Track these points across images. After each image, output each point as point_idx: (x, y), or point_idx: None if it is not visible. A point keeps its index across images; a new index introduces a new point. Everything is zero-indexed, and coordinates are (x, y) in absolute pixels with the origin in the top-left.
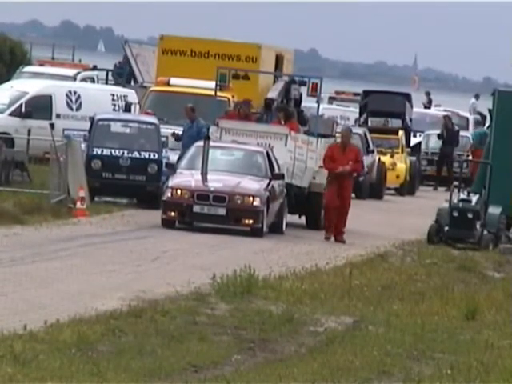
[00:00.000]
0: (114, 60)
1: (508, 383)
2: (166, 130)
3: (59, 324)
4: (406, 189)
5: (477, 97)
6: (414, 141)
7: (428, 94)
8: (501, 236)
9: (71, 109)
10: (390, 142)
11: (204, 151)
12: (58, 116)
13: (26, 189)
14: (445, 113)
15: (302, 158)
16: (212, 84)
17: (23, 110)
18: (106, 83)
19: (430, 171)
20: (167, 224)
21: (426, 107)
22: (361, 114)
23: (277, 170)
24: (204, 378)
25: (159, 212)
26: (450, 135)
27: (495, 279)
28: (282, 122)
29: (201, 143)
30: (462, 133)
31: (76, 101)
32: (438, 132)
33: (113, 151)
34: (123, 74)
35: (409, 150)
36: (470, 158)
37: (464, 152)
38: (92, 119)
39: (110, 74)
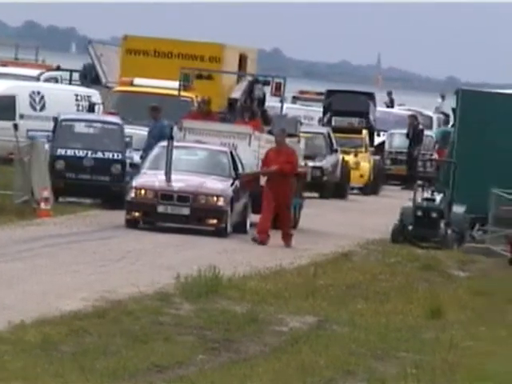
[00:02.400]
0: (82, 60)
1: (472, 382)
2: (130, 131)
3: (23, 324)
4: (370, 188)
5: (443, 97)
6: (377, 140)
7: (390, 93)
8: (465, 235)
9: (35, 109)
10: (354, 141)
11: (168, 151)
12: (21, 116)
13: None
14: (409, 112)
15: None
16: (176, 84)
17: None
18: (70, 83)
19: (394, 170)
20: (131, 224)
21: (388, 107)
22: (324, 113)
23: (241, 170)
24: (168, 378)
25: (123, 212)
26: (414, 134)
27: (459, 278)
28: (247, 121)
29: (164, 143)
30: (426, 132)
31: (40, 101)
32: (402, 131)
33: (76, 151)
34: (88, 75)
35: (372, 149)
36: (435, 157)
37: (428, 151)
38: (56, 119)
39: (73, 74)
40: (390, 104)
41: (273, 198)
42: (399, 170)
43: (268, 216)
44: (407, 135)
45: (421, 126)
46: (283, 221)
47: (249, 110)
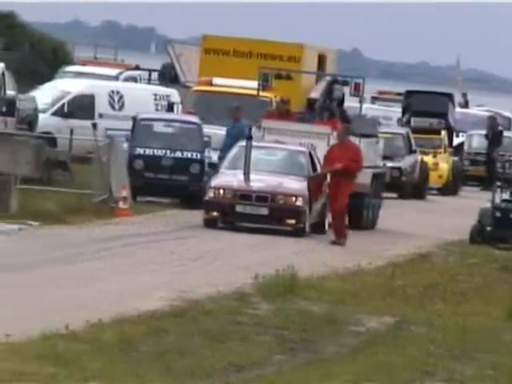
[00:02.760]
0: (162, 60)
1: None
2: (209, 130)
3: (101, 324)
4: (449, 189)
5: None
6: (456, 141)
7: (465, 94)
8: None
9: (114, 108)
10: (433, 141)
11: (246, 151)
12: (100, 116)
13: (68, 188)
14: (488, 113)
15: None
16: (254, 84)
17: (66, 109)
18: (149, 83)
19: (473, 171)
20: (209, 224)
21: (462, 107)
22: (403, 113)
23: (319, 170)
24: (246, 378)
25: (201, 212)
26: (492, 135)
27: None
28: (326, 121)
29: (243, 143)
30: (505, 133)
31: (118, 100)
32: (481, 132)
33: (155, 151)
34: (167, 75)
35: (451, 150)
36: None
37: (507, 153)
38: (134, 119)
39: (152, 73)
40: (465, 105)
41: (332, 195)
42: (478, 171)
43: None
44: (486, 136)
45: (500, 127)
46: (337, 220)
47: (327, 110)
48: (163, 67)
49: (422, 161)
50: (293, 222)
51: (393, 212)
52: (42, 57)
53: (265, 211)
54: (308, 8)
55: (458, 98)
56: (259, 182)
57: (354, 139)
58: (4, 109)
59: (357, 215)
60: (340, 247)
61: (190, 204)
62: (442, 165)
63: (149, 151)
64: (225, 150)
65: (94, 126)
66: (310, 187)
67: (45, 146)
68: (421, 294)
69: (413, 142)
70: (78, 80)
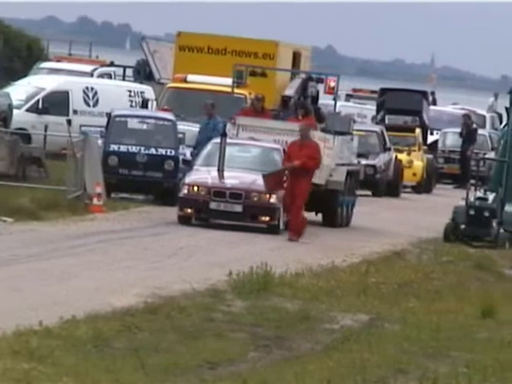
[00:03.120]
0: (136, 56)
1: None
2: (183, 127)
3: (75, 320)
4: (423, 187)
5: (496, 96)
6: (431, 138)
7: (433, 93)
8: None
9: (88, 105)
10: (407, 139)
11: (221, 148)
12: (75, 112)
13: (42, 185)
14: (462, 111)
15: None
16: (229, 81)
17: (40, 105)
18: (123, 79)
19: (447, 169)
20: (184, 221)
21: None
22: (378, 111)
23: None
24: (220, 375)
25: (176, 209)
26: (467, 133)
27: None
28: (300, 118)
29: (217, 140)
30: (479, 131)
31: (93, 97)
32: (455, 130)
33: (130, 147)
34: (141, 71)
35: (426, 147)
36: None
37: (481, 151)
38: (109, 115)
39: (127, 70)
40: (433, 103)
41: (289, 192)
42: (452, 169)
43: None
44: (460, 134)
45: (474, 126)
46: (292, 217)
47: (302, 107)
48: (138, 64)
49: (396, 158)
50: (267, 219)
51: (367, 210)
52: (16, 53)
53: (239, 208)
54: (283, 5)
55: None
56: (233, 178)
57: (329, 136)
58: None
59: (331, 213)
60: (313, 244)
61: (164, 201)
62: (417, 163)
63: (123, 148)
64: (199, 146)
65: (69, 122)
66: (268, 184)
67: (19, 142)
68: (395, 292)
69: (387, 139)
70: (53, 76)
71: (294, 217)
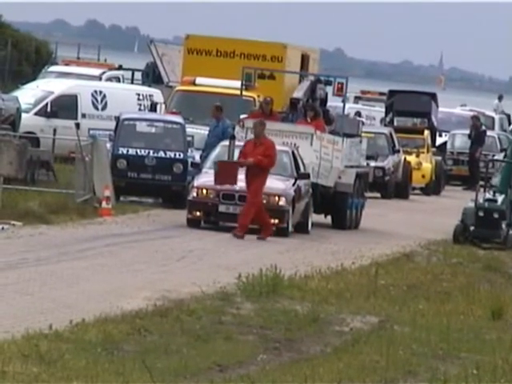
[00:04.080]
0: (145, 60)
1: None
2: (192, 130)
3: (85, 323)
4: (432, 188)
5: (500, 98)
6: (439, 140)
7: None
8: None
9: (97, 108)
10: (416, 141)
11: (229, 151)
12: (83, 115)
13: (51, 188)
14: (471, 113)
15: (327, 157)
16: (238, 84)
17: (49, 109)
18: (132, 83)
19: (456, 171)
20: (193, 223)
21: None
22: (387, 113)
23: (302, 170)
24: (229, 377)
25: (185, 212)
26: (476, 135)
27: None
28: (309, 121)
29: (226, 143)
30: (488, 133)
31: (101, 100)
32: (464, 132)
33: (138, 151)
34: (150, 74)
35: (434, 149)
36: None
37: (490, 152)
38: (117, 119)
39: (135, 73)
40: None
41: (247, 191)
42: (461, 171)
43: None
44: (469, 136)
45: (483, 127)
46: (244, 213)
47: (312, 109)
48: (147, 67)
49: (405, 160)
50: (276, 221)
51: (376, 212)
52: (24, 57)
53: None
54: (291, 8)
55: (447, 97)
56: (242, 181)
57: (337, 139)
58: None
59: (340, 215)
60: (322, 247)
61: (173, 204)
62: (425, 164)
63: (132, 151)
64: (207, 149)
65: (77, 125)
66: (219, 177)
67: (28, 145)
68: (404, 294)
69: (396, 141)
70: (61, 80)
71: (260, 216)
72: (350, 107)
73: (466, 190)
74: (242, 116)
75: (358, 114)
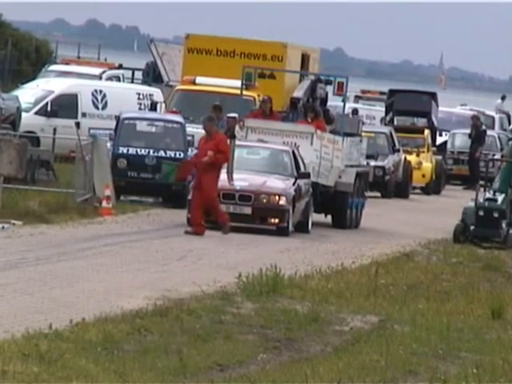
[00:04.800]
0: (144, 59)
1: None
2: (192, 129)
3: (85, 323)
4: (432, 188)
5: (503, 98)
6: (439, 140)
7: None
8: None
9: (97, 108)
10: (416, 141)
11: (230, 150)
12: (83, 115)
13: (51, 188)
14: (471, 112)
15: (327, 156)
16: (238, 83)
17: (49, 108)
18: (132, 82)
19: (456, 170)
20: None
21: None
22: (387, 113)
23: (303, 169)
24: (229, 377)
25: (185, 211)
26: (476, 134)
27: None
28: (310, 121)
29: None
30: (488, 132)
31: (102, 100)
32: (464, 131)
33: (138, 150)
34: (150, 73)
35: (434, 149)
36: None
37: (491, 152)
38: (118, 118)
39: (135, 72)
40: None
41: (201, 187)
42: (461, 170)
43: (193, 211)
44: (470, 135)
45: (484, 127)
46: (201, 211)
47: (312, 110)
48: (147, 66)
49: (405, 160)
50: (276, 221)
51: (376, 211)
52: (25, 56)
53: (248, 210)
54: (292, 7)
55: (447, 97)
56: (242, 181)
57: (338, 138)
58: None
59: (340, 214)
60: (323, 246)
61: (173, 203)
62: (426, 164)
63: (132, 150)
64: None
65: (77, 125)
66: (180, 172)
67: (28, 145)
68: (404, 293)
69: (396, 141)
70: (62, 79)
71: (215, 211)
72: (350, 106)
73: (466, 190)
74: (229, 115)
75: (356, 111)
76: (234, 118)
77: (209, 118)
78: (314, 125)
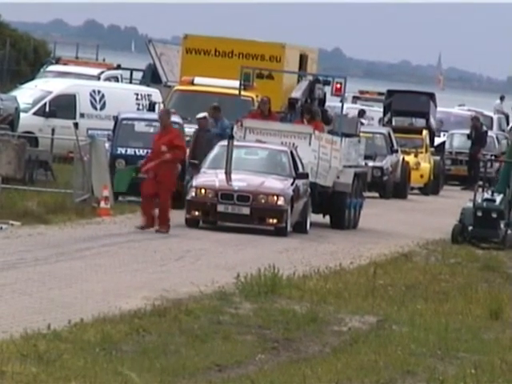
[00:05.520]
0: (143, 60)
1: None
2: (190, 130)
3: (83, 323)
4: (430, 188)
5: (502, 98)
6: (438, 140)
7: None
8: None
9: (95, 108)
10: (414, 141)
11: (228, 150)
12: (81, 115)
13: (50, 188)
14: (469, 113)
15: (326, 157)
16: (236, 83)
17: (47, 109)
18: (130, 82)
19: (454, 171)
20: (191, 223)
21: None
22: (385, 113)
23: (301, 170)
24: (228, 377)
25: (183, 211)
26: (477, 135)
27: None
28: (305, 122)
29: (225, 142)
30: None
31: (100, 100)
32: (462, 131)
33: (137, 150)
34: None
35: (433, 149)
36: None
37: (490, 152)
38: (116, 118)
39: (133, 73)
40: None
41: (154, 181)
42: (459, 171)
43: (145, 206)
44: (468, 136)
45: (485, 128)
46: (160, 209)
47: (309, 112)
48: (148, 66)
49: (403, 160)
50: (274, 221)
51: (374, 211)
52: (23, 56)
53: (246, 211)
54: (290, 8)
55: (445, 98)
56: (241, 181)
57: (336, 138)
58: None
59: (338, 215)
60: (321, 246)
61: (171, 203)
62: (424, 164)
63: (130, 151)
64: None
65: (76, 125)
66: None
67: (26, 145)
68: (403, 294)
69: (394, 141)
70: (60, 79)
71: (163, 208)
72: (349, 107)
73: (464, 190)
74: (199, 115)
75: (363, 112)
76: (205, 117)
77: (166, 110)
78: (312, 125)
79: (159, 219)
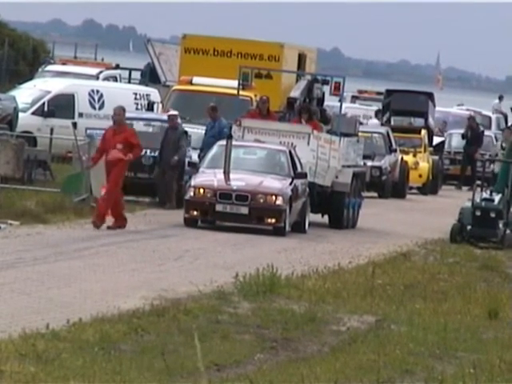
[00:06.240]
0: (142, 59)
1: None
2: (189, 129)
3: (82, 323)
4: (429, 188)
5: (500, 98)
6: (436, 140)
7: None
8: None
9: (94, 108)
10: (413, 141)
11: (226, 150)
12: (80, 115)
13: (48, 188)
14: (468, 112)
15: (324, 157)
16: (235, 83)
17: (46, 108)
18: (129, 82)
19: (453, 170)
20: (190, 223)
21: None
22: (383, 113)
23: (299, 169)
24: (226, 376)
25: (182, 211)
26: (474, 135)
27: None
28: (303, 122)
29: (223, 142)
30: (485, 132)
31: (99, 100)
32: (461, 131)
33: None
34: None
35: (431, 149)
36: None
37: (487, 152)
38: None
39: (132, 72)
40: None
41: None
42: (458, 170)
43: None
44: (463, 136)
45: (481, 128)
46: (103, 203)
47: (306, 111)
48: (147, 66)
49: (402, 160)
50: (273, 221)
51: (373, 211)
52: (22, 56)
53: (245, 210)
54: (288, 7)
55: (443, 97)
56: (239, 181)
57: (334, 138)
58: None
59: (337, 214)
60: (319, 246)
61: (174, 204)
62: (422, 164)
63: None
64: (204, 148)
65: (74, 125)
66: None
67: (25, 145)
68: (401, 293)
69: (393, 141)
70: (59, 79)
71: (116, 205)
72: (347, 107)
73: (457, 189)
74: (170, 112)
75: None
76: (176, 115)
77: (120, 107)
78: (310, 125)
79: (112, 215)
